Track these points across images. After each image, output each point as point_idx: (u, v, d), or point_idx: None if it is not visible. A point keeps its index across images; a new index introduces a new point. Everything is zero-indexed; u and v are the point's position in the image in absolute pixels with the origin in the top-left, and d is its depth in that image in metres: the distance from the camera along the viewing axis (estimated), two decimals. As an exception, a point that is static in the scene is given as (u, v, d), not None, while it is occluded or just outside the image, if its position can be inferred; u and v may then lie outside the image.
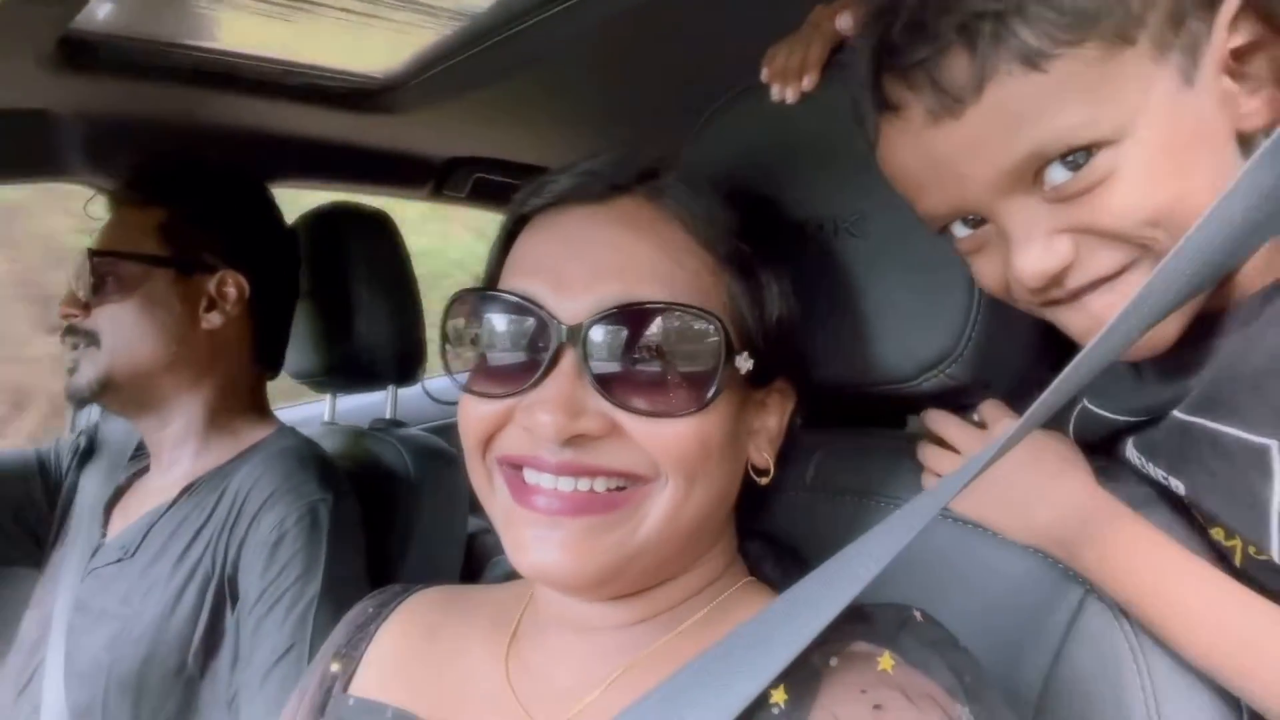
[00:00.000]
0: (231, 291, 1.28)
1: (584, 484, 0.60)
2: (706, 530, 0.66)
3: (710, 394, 0.61)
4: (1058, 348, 0.77)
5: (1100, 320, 0.58)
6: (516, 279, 0.64)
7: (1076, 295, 0.61)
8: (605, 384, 0.60)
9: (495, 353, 0.64)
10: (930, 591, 0.63)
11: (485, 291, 0.66)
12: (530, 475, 0.62)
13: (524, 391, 0.61)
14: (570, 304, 0.61)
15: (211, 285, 1.27)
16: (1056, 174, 0.57)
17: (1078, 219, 0.58)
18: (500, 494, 0.64)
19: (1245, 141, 0.59)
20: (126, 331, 1.21)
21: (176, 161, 1.31)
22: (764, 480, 0.69)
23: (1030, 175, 0.58)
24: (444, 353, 0.68)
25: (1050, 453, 0.71)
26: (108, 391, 1.22)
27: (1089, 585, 0.67)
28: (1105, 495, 0.67)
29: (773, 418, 0.70)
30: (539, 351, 0.61)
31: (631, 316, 0.60)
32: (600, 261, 0.62)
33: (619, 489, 0.61)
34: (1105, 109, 0.55)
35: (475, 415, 0.64)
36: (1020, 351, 0.77)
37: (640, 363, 0.60)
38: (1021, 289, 0.62)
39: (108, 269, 1.21)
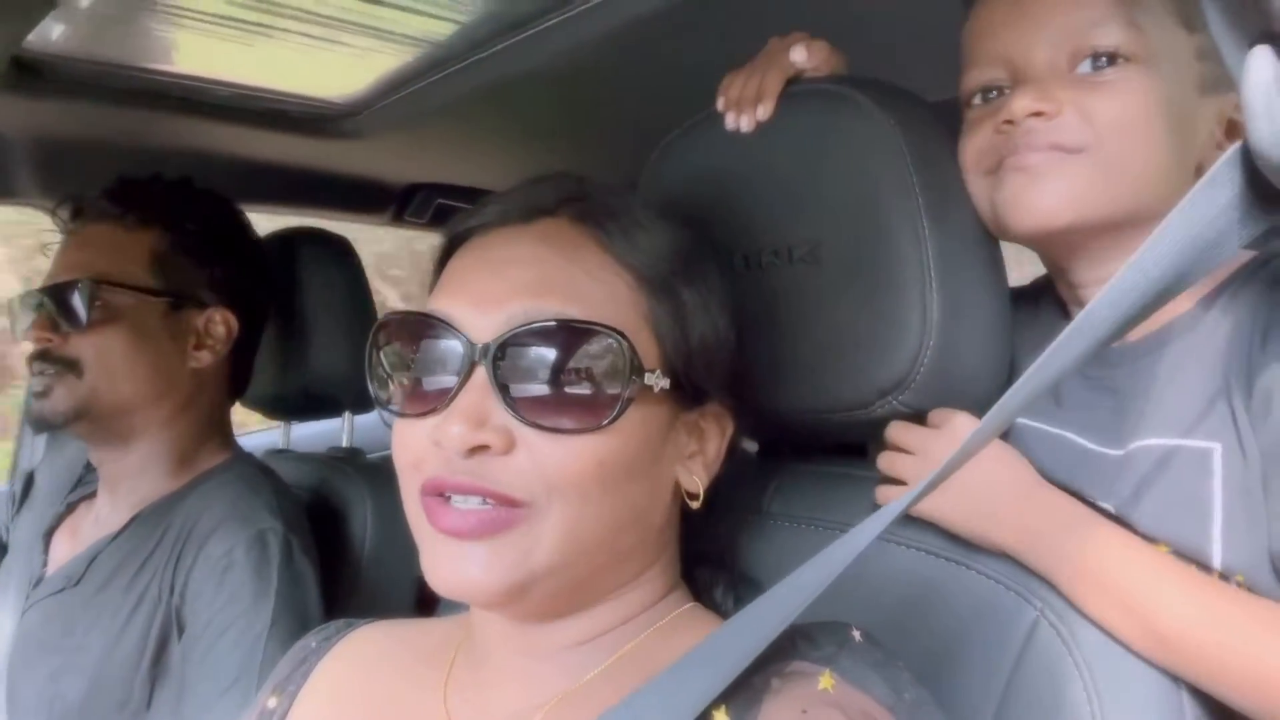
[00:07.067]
0: (221, 330, 1.24)
1: (478, 504, 0.60)
2: (625, 551, 0.65)
3: (614, 412, 0.61)
4: (1009, 374, 0.79)
5: (1030, 208, 0.74)
6: (439, 300, 0.65)
7: (1026, 158, 0.73)
8: (511, 399, 0.60)
9: (418, 374, 0.65)
10: (888, 617, 0.63)
11: (404, 315, 0.67)
12: (440, 500, 0.62)
13: (440, 410, 0.61)
14: (483, 321, 0.62)
15: (201, 322, 1.23)
16: (1085, 66, 0.73)
17: (1077, 92, 0.72)
18: (421, 520, 0.64)
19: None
20: (112, 364, 1.16)
21: (171, 184, 1.25)
22: (695, 504, 0.68)
23: (1074, 54, 0.73)
24: (371, 379, 0.68)
25: (1018, 463, 0.74)
26: (80, 421, 1.17)
27: (1041, 609, 0.68)
28: (1082, 505, 0.70)
29: (710, 441, 0.70)
30: (455, 371, 0.62)
31: (537, 333, 0.61)
32: (514, 279, 0.63)
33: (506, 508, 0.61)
34: (1152, 41, 0.71)
35: (403, 442, 0.64)
36: (971, 379, 0.78)
37: (546, 379, 0.60)
38: (996, 138, 0.75)
39: (97, 295, 1.15)
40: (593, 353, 0.61)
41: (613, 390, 0.61)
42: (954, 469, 0.58)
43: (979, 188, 0.78)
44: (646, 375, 0.62)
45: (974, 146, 0.78)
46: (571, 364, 0.61)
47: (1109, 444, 0.74)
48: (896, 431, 0.78)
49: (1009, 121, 0.73)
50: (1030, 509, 0.71)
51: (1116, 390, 0.75)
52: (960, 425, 0.75)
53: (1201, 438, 0.68)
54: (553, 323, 0.61)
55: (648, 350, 0.64)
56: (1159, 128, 0.71)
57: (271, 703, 0.75)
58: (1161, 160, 0.72)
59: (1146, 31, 0.71)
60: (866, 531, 0.56)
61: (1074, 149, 0.72)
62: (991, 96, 0.77)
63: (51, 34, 1.06)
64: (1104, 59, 0.71)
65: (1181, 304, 0.72)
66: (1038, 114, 0.72)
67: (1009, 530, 0.70)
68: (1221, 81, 0.71)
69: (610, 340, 0.61)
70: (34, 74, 1.12)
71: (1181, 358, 0.72)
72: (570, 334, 0.61)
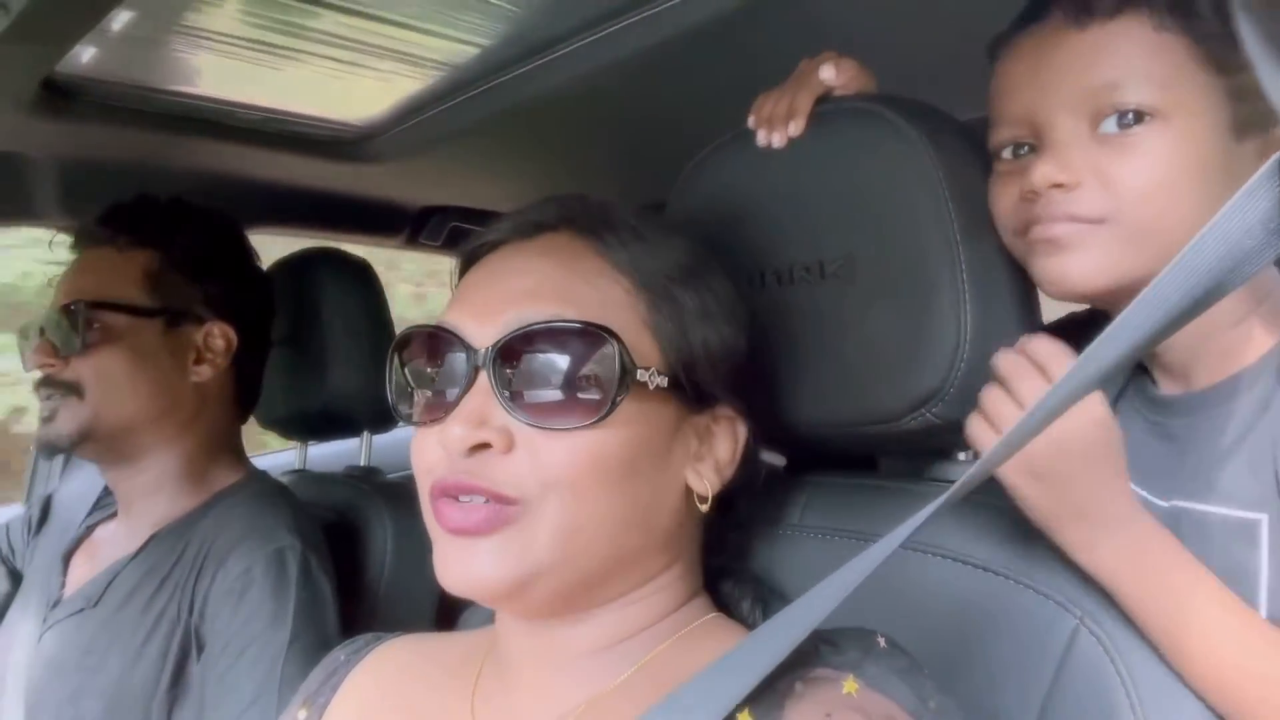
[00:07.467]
0: (220, 344, 1.25)
1: (481, 502, 0.62)
2: (633, 549, 0.66)
3: (606, 408, 0.62)
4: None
5: (1060, 279, 0.73)
6: (448, 313, 0.68)
7: (1049, 229, 0.72)
8: (509, 400, 0.62)
9: (430, 385, 0.68)
10: (923, 625, 0.63)
11: (417, 329, 0.70)
12: (448, 501, 0.64)
13: (447, 415, 0.63)
14: (485, 329, 0.64)
15: (199, 337, 1.24)
16: (1110, 125, 0.70)
17: (1098, 158, 0.70)
18: (433, 522, 0.65)
19: None
20: (113, 384, 1.17)
21: (161, 204, 1.27)
22: (703, 507, 0.69)
23: (1095, 115, 0.71)
24: (390, 392, 0.70)
25: (1125, 483, 0.70)
26: (86, 442, 1.18)
27: (1080, 617, 0.68)
28: (1142, 509, 0.69)
29: (721, 445, 0.71)
30: (461, 378, 0.64)
31: (531, 335, 0.63)
32: (512, 288, 0.66)
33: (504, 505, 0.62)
34: (1177, 92, 0.69)
35: (418, 449, 0.67)
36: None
37: (542, 379, 0.63)
38: (1022, 204, 0.74)
39: (92, 318, 1.17)
40: (586, 352, 0.63)
41: (606, 387, 0.63)
42: (986, 472, 0.58)
43: (1012, 245, 0.77)
44: (639, 372, 0.64)
45: (1002, 205, 0.77)
46: (565, 363, 0.63)
47: (1156, 493, 0.74)
48: (1008, 363, 0.70)
49: (1032, 191, 0.72)
50: (1121, 528, 0.67)
51: (1174, 439, 0.74)
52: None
53: (1248, 508, 0.67)
54: (545, 324, 0.63)
55: (645, 350, 0.65)
56: (1190, 181, 0.69)
57: (301, 715, 0.76)
58: (1198, 211, 0.68)
59: (1171, 84, 0.69)
60: (902, 532, 0.57)
61: (1094, 220, 0.70)
62: (1023, 153, 0.76)
63: (83, 57, 1.08)
64: (1130, 116, 0.69)
65: (1252, 349, 0.71)
66: (1058, 184, 0.71)
67: (1087, 537, 0.67)
68: (1262, 118, 0.68)
69: (601, 338, 0.63)
70: (64, 97, 1.13)
71: (1239, 415, 0.70)
72: (563, 334, 0.63)
